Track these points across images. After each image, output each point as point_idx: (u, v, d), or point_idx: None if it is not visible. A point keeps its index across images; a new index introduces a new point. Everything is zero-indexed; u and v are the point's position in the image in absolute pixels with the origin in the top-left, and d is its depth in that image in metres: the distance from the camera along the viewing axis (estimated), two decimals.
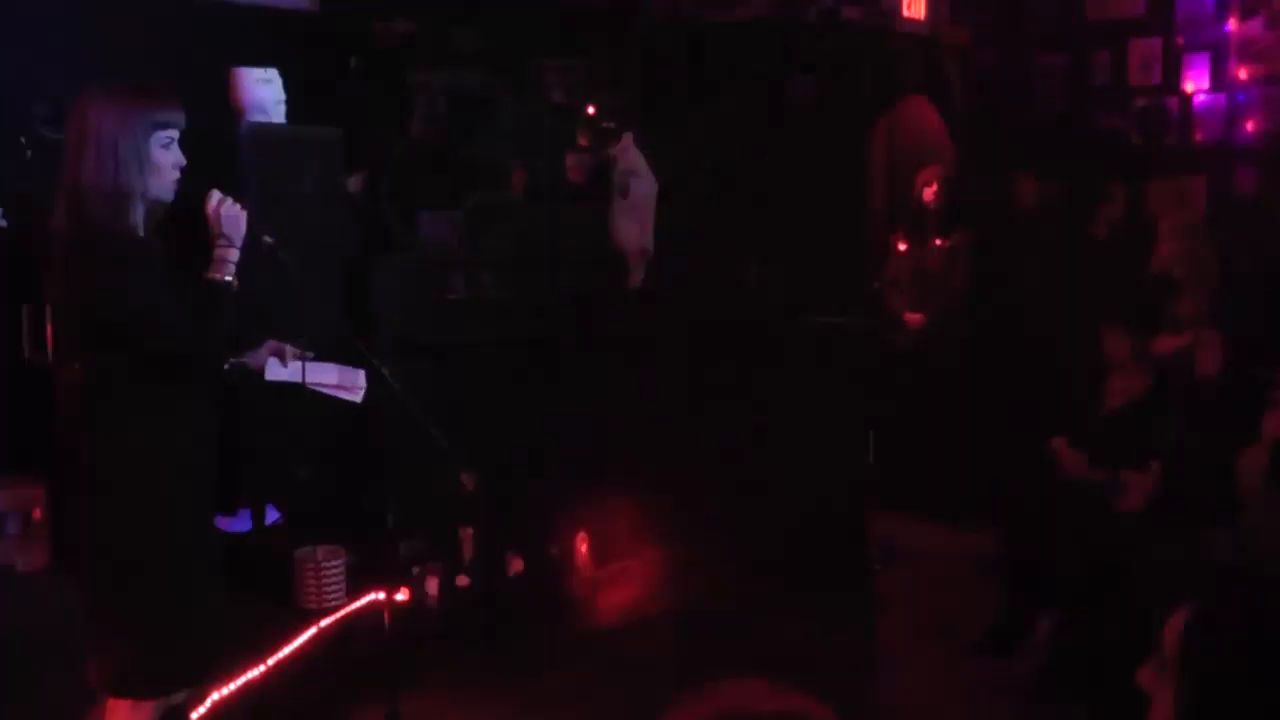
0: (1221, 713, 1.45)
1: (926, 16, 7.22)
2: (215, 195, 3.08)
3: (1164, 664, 1.52)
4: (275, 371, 3.34)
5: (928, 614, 5.49)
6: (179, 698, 3.21)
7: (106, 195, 2.92)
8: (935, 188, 6.69)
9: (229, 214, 3.08)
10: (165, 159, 3.00)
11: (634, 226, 6.26)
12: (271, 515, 5.26)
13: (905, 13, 7.07)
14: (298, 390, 4.93)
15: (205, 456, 3.13)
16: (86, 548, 3.08)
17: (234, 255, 3.08)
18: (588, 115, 6.33)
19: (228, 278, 3.06)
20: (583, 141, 6.32)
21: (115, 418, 2.99)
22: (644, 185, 6.28)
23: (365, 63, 6.16)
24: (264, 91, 5.03)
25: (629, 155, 6.26)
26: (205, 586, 3.14)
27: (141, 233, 3.01)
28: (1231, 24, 6.80)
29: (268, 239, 3.22)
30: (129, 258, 2.94)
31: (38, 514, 4.70)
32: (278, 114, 5.07)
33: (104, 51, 5.25)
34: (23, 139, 4.97)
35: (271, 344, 3.36)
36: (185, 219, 3.10)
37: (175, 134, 3.03)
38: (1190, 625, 1.49)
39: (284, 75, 5.15)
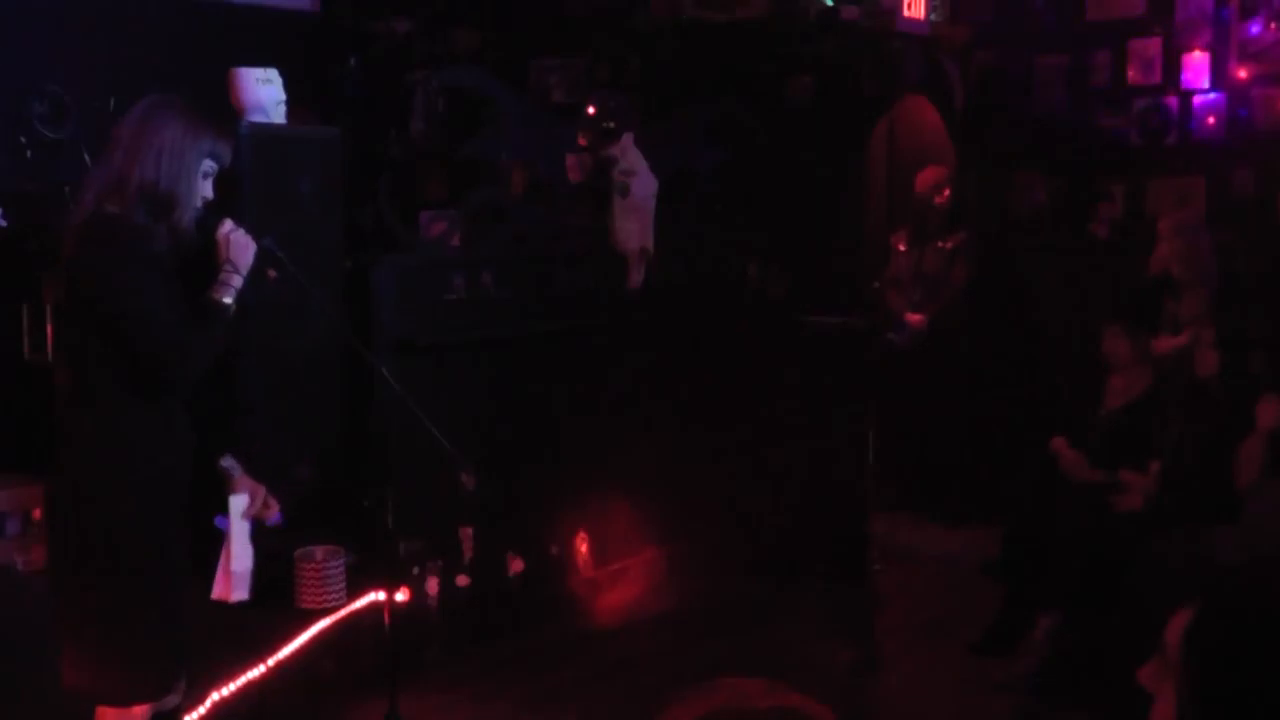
0: (1224, 712, 1.45)
1: (926, 16, 7.22)
2: (228, 223, 3.11)
3: (1166, 664, 1.52)
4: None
5: (928, 614, 5.49)
6: (173, 700, 3.20)
7: (157, 195, 2.94)
8: (945, 190, 6.68)
9: (238, 242, 3.10)
10: (201, 188, 3.04)
11: (634, 226, 6.26)
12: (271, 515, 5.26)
13: (905, 13, 7.08)
14: (298, 389, 4.95)
15: (180, 467, 3.11)
16: (61, 553, 3.07)
17: (237, 282, 3.09)
18: (588, 115, 6.33)
19: (227, 300, 3.07)
20: (583, 141, 6.32)
21: (95, 425, 2.99)
22: (644, 185, 6.28)
23: (365, 63, 6.16)
24: (264, 92, 5.02)
25: (629, 155, 6.26)
26: (177, 593, 3.11)
27: (163, 247, 3.01)
28: (1231, 24, 6.80)
29: (272, 274, 3.26)
30: (141, 258, 2.94)
31: (38, 514, 4.70)
32: (278, 114, 5.06)
33: (104, 51, 5.26)
34: (23, 139, 4.97)
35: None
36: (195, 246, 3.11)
37: (215, 169, 3.07)
38: (1192, 625, 1.49)
39: (284, 75, 5.15)
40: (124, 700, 3.03)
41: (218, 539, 3.33)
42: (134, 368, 2.97)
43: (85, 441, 2.99)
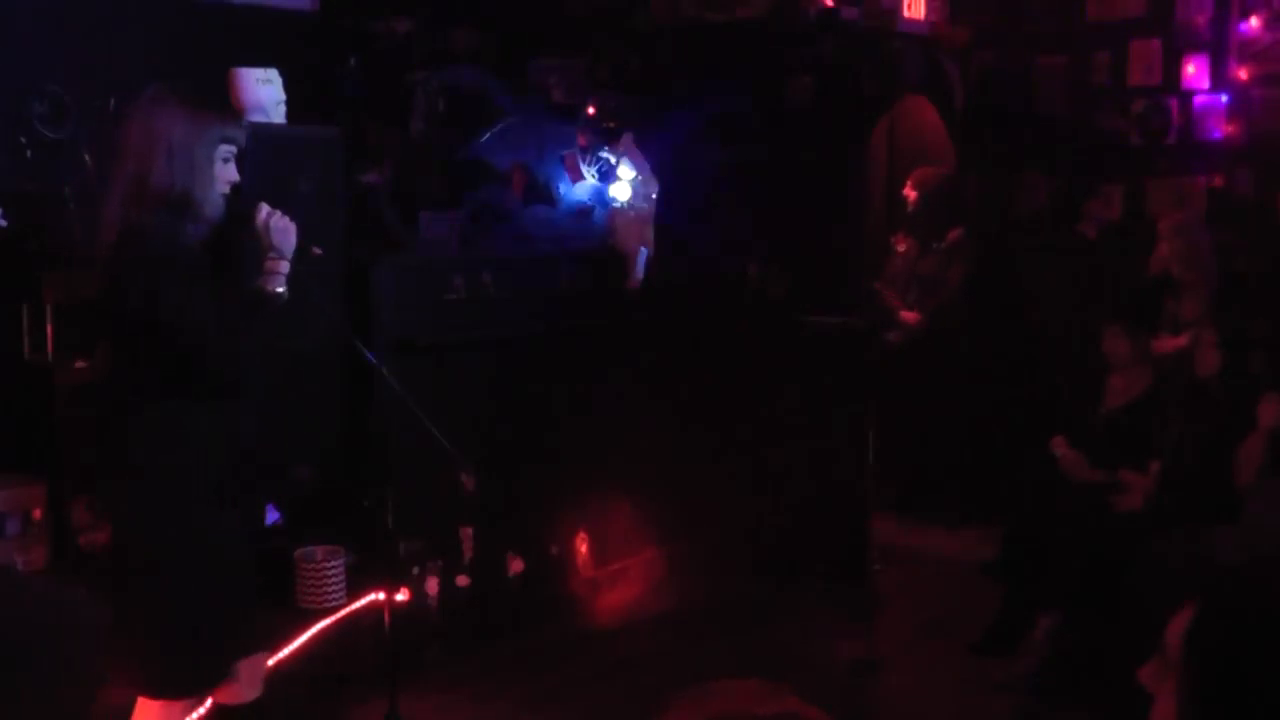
0: (1225, 712, 1.45)
1: (926, 16, 7.22)
2: (265, 208, 3.09)
3: (1166, 664, 1.51)
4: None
5: (928, 614, 5.49)
6: (250, 694, 3.21)
7: (172, 198, 2.94)
8: (912, 194, 6.72)
9: (279, 226, 3.08)
10: (223, 173, 3.03)
11: (634, 226, 6.26)
12: (271, 515, 5.26)
13: (905, 13, 7.07)
14: (298, 389, 4.94)
15: (227, 463, 3.11)
16: (113, 546, 3.11)
17: (284, 267, 3.08)
18: (588, 115, 6.33)
19: (279, 289, 3.07)
20: (583, 141, 6.32)
21: (136, 425, 3.00)
22: (644, 185, 6.28)
23: (365, 63, 6.15)
24: (264, 91, 5.02)
25: (629, 155, 6.26)
26: (230, 586, 3.13)
27: (194, 243, 3.02)
28: (1231, 24, 6.80)
29: (316, 250, 3.24)
30: (176, 261, 2.95)
31: (38, 514, 4.70)
32: (278, 114, 5.06)
33: (104, 51, 5.25)
34: (23, 139, 4.97)
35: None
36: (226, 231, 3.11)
37: (234, 150, 3.05)
38: (1193, 625, 1.49)
39: (284, 75, 5.15)
40: (159, 693, 3.07)
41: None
42: (187, 373, 2.99)
43: (127, 441, 3.01)
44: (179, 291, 2.92)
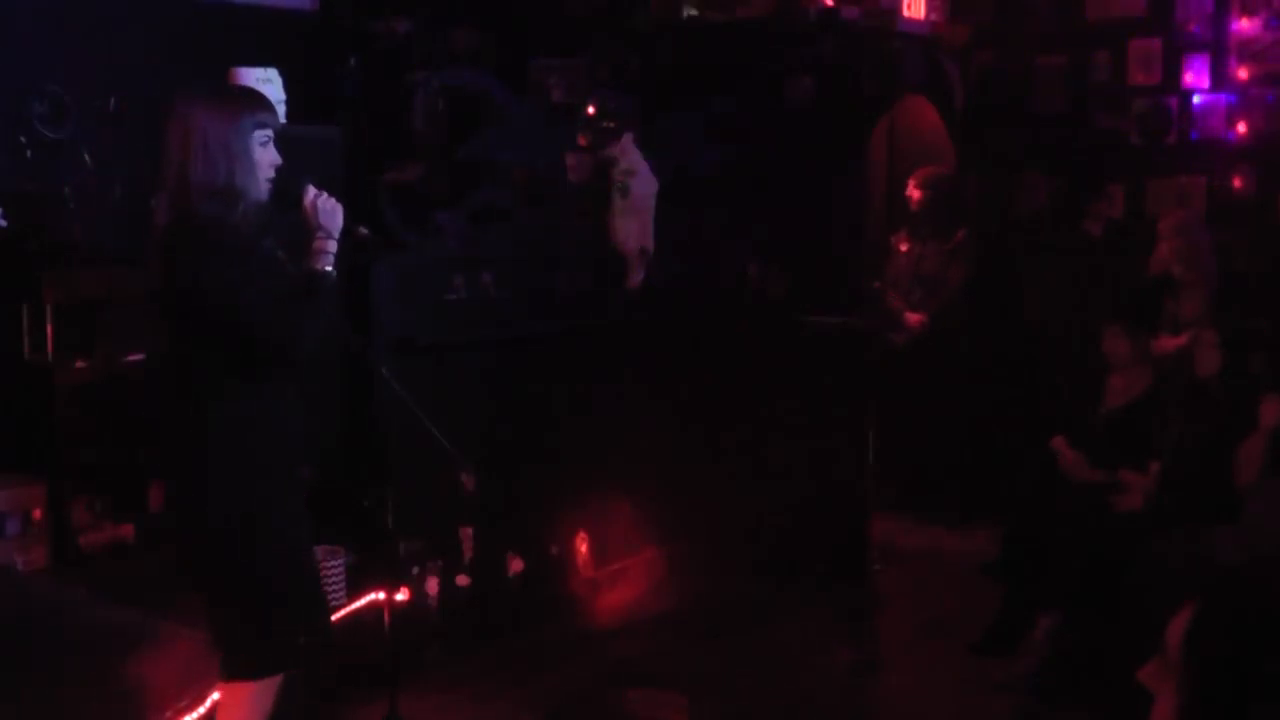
0: (1225, 712, 1.45)
1: (926, 16, 7.22)
2: (311, 189, 3.17)
3: (1167, 664, 1.52)
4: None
5: (928, 614, 5.49)
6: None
7: (217, 192, 3.01)
8: (918, 193, 6.72)
9: (326, 207, 3.16)
10: (263, 157, 3.11)
11: (634, 226, 6.25)
12: None
13: (905, 13, 7.07)
14: (297, 389, 4.94)
15: (296, 446, 3.21)
16: (190, 536, 3.15)
17: (332, 246, 3.15)
18: (588, 115, 6.33)
19: (327, 268, 3.13)
20: (583, 141, 6.32)
21: (214, 414, 3.07)
22: (644, 185, 6.28)
23: (365, 63, 6.15)
24: (264, 91, 5.01)
25: (629, 155, 6.25)
26: (302, 564, 3.24)
27: (248, 231, 3.08)
28: (1231, 24, 6.81)
29: (363, 230, 3.30)
30: (224, 244, 3.00)
31: (38, 514, 4.69)
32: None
33: (104, 51, 5.25)
34: (23, 139, 4.96)
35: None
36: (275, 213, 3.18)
37: (271, 133, 3.14)
38: (1193, 625, 1.49)
39: (284, 75, 5.15)
40: (263, 672, 3.16)
41: None
42: (248, 357, 3.05)
43: (206, 433, 3.07)
44: (229, 273, 2.98)
